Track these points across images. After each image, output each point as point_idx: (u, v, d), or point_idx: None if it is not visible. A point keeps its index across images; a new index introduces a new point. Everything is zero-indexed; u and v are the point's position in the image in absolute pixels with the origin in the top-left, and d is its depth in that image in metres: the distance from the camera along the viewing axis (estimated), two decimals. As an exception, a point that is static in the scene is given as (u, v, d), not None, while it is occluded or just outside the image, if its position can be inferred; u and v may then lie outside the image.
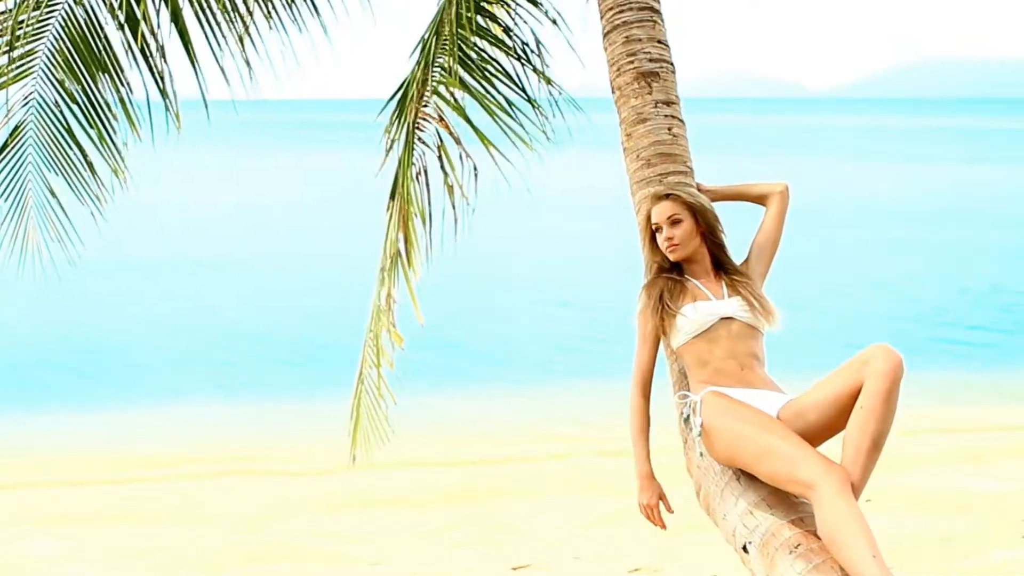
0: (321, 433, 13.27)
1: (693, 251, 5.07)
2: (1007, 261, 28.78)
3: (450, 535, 9.95)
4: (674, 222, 5.04)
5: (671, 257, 5.07)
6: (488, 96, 6.49)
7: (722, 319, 4.88)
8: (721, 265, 5.12)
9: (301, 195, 46.62)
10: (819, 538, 4.17)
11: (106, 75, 6.58)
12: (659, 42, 5.84)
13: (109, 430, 14.51)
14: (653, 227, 5.11)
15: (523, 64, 6.60)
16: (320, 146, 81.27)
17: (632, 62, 5.74)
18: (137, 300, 23.65)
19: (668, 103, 5.72)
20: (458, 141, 6.52)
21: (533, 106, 6.54)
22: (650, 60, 5.76)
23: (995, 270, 27.24)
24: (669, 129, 5.65)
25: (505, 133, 6.41)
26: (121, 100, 6.60)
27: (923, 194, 45.49)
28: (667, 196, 5.11)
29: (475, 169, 6.52)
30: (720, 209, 5.27)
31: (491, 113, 6.43)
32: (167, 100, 6.51)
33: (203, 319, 21.97)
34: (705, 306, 4.92)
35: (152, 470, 12.66)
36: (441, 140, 6.60)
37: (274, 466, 12.75)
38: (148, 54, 6.48)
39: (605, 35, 5.95)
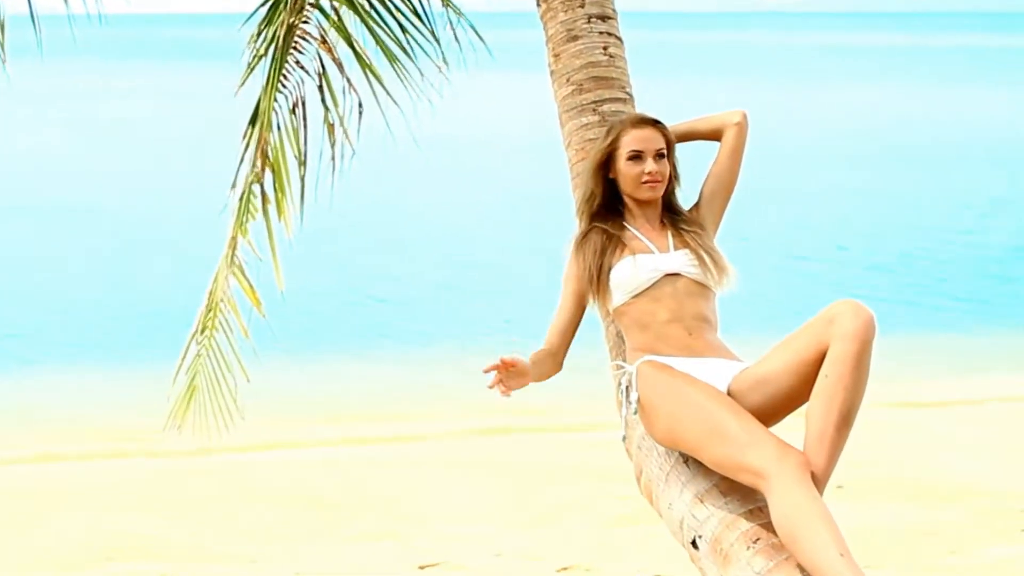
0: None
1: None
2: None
3: (344, 528, 9.92)
4: (660, 155, 4.98)
5: (647, 195, 4.98)
6: (376, 16, 6.37)
7: (666, 275, 4.84)
8: (670, 210, 5.07)
9: (154, 121, 46.20)
10: (783, 532, 4.20)
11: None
12: (593, -56, 5.82)
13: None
14: (629, 153, 4.95)
15: None
16: (181, 64, 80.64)
17: (561, -32, 5.73)
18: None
19: (603, 18, 5.70)
20: (341, 68, 6.40)
21: (427, 27, 6.42)
22: (582, -33, 5.75)
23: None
24: (604, 48, 5.64)
25: (392, 65, 6.31)
26: None
27: (879, 125, 45.94)
28: (655, 123, 5.02)
29: (360, 105, 6.43)
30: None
31: (377, 38, 6.32)
32: None
33: (25, 271, 21.99)
34: (647, 261, 4.86)
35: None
36: (323, 67, 6.48)
37: (120, 446, 12.65)
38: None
39: (529, -64, 5.92)
